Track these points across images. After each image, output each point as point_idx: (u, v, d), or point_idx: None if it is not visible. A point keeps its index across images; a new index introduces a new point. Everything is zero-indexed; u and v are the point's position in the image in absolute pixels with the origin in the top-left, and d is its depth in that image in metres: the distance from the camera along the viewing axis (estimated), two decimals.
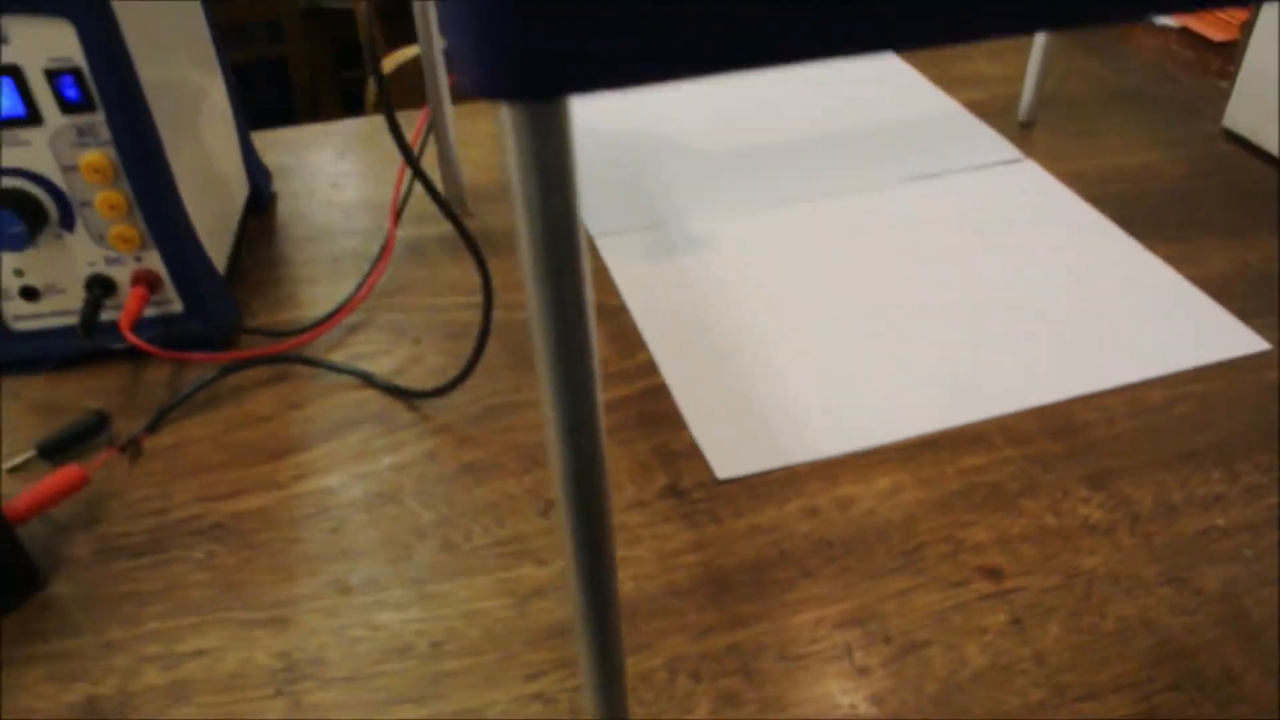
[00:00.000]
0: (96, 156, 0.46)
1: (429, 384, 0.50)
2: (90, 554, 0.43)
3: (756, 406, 0.48)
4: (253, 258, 0.60)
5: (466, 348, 0.52)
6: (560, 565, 0.41)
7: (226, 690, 0.37)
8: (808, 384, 0.49)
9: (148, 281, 0.50)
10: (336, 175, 0.67)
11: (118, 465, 0.47)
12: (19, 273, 0.50)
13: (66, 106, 0.45)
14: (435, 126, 0.59)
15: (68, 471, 0.44)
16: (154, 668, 0.38)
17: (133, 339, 0.47)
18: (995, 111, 0.70)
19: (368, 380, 0.50)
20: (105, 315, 0.51)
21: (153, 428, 0.48)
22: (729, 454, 0.45)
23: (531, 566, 0.41)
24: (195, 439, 0.48)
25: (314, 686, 0.37)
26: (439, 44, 0.57)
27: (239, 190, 0.61)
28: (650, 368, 0.50)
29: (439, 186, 0.62)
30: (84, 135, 0.46)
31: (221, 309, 0.52)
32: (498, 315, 0.54)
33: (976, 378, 0.49)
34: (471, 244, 0.45)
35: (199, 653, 0.39)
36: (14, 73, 0.44)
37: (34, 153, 0.46)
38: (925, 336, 0.51)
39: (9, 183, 0.46)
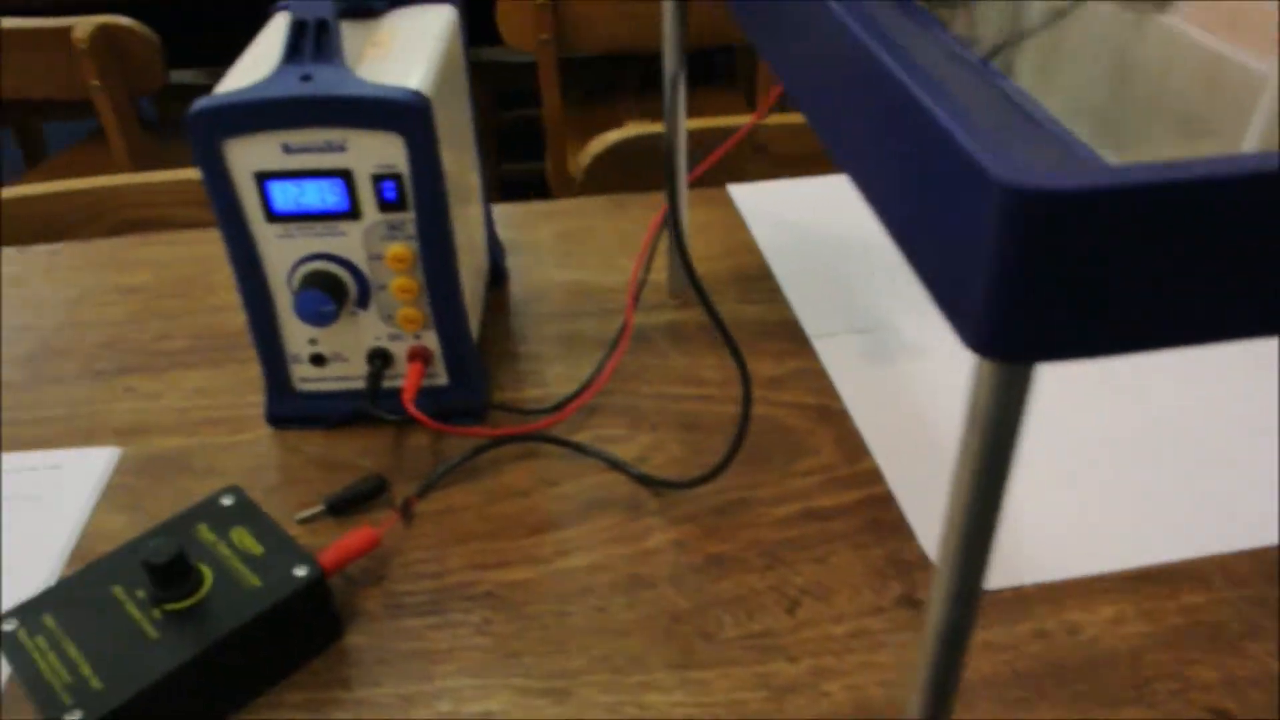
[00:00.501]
0: (401, 249, 0.52)
1: (669, 472, 0.54)
2: (380, 609, 0.48)
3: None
4: (493, 331, 0.65)
5: (702, 439, 0.56)
6: (810, 664, 0.45)
7: None
8: (1032, 503, 0.52)
9: (422, 357, 0.55)
10: (563, 254, 0.72)
11: (396, 526, 0.52)
12: (313, 341, 0.55)
13: (384, 206, 0.50)
14: (671, 218, 0.64)
15: (364, 533, 0.49)
16: None
17: (414, 412, 0.53)
18: None
19: (615, 465, 0.55)
20: (384, 385, 0.56)
21: (423, 493, 0.53)
22: None
23: (783, 662, 0.45)
24: (460, 507, 0.53)
25: None
26: (684, 137, 0.61)
27: (485, 265, 0.66)
28: (876, 475, 0.54)
29: (667, 277, 0.67)
30: (393, 230, 0.51)
31: (480, 384, 0.57)
32: (729, 411, 0.58)
33: (1194, 512, 0.51)
34: (731, 342, 0.49)
35: (487, 714, 0.43)
36: (346, 175, 0.49)
37: (348, 242, 0.52)
38: (1143, 464, 0.54)
39: (327, 267, 0.52)
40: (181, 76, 1.35)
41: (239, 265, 0.52)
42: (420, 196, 0.50)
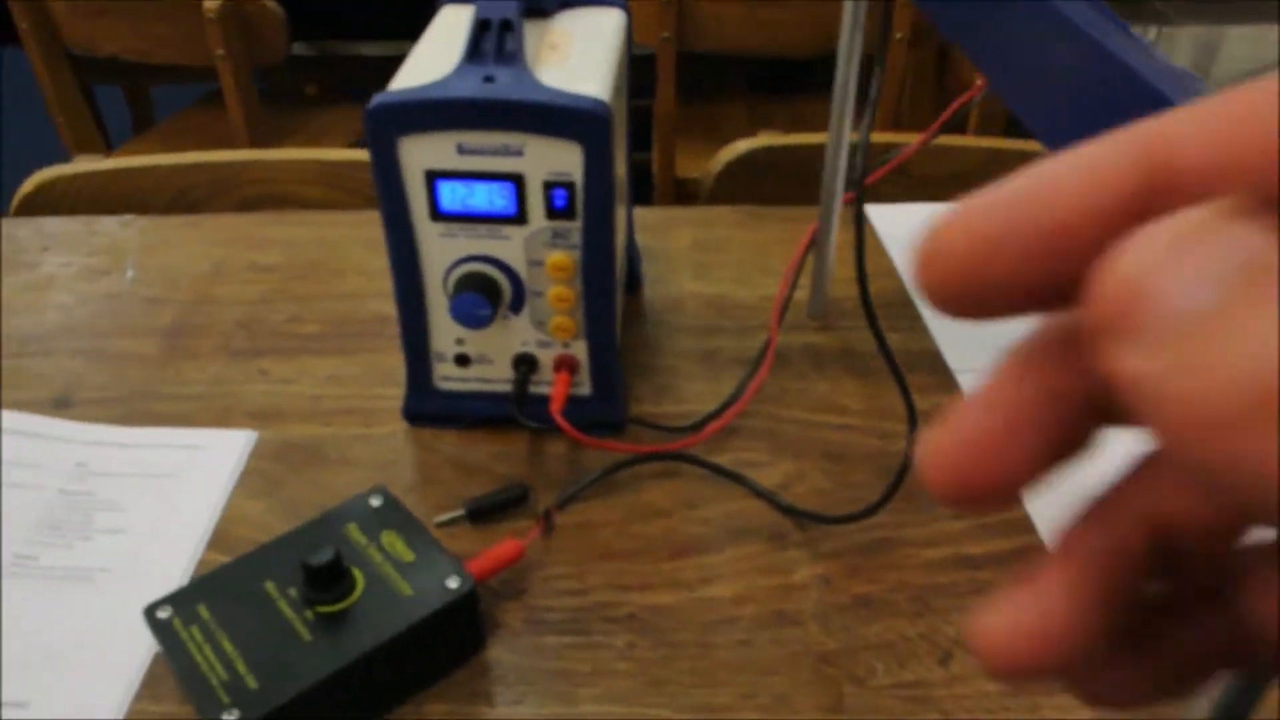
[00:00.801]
0: (563, 257, 0.51)
1: (812, 503, 0.53)
2: (521, 624, 0.47)
3: None
4: (629, 341, 0.64)
5: (846, 471, 0.55)
6: (971, 718, 0.43)
7: None
8: None
9: (569, 367, 0.54)
10: (698, 265, 0.71)
11: (535, 537, 0.51)
12: (460, 342, 0.55)
13: (552, 213, 0.49)
14: (819, 238, 0.62)
15: (510, 544, 0.48)
16: None
17: (561, 422, 0.52)
18: None
19: (758, 492, 0.53)
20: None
21: (562, 505, 0.52)
22: None
23: (936, 715, 0.44)
24: (600, 523, 0.52)
25: None
26: (844, 161, 0.59)
27: (623, 271, 0.65)
28: (1026, 523, 0.52)
29: (809, 297, 0.65)
30: (558, 237, 0.50)
31: (621, 397, 0.56)
32: (874, 444, 0.57)
33: None
34: (899, 377, 0.48)
35: None
36: (517, 179, 0.49)
37: (510, 246, 0.51)
38: None
39: (485, 270, 0.51)
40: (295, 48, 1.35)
41: (397, 260, 0.52)
42: (590, 206, 0.49)
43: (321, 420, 0.58)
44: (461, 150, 0.48)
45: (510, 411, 0.53)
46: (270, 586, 0.43)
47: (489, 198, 0.49)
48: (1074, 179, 0.13)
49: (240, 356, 0.63)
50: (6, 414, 0.57)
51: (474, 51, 0.48)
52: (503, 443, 0.56)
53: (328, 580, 0.42)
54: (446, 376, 0.56)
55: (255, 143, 1.27)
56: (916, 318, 0.66)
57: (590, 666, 0.45)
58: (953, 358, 0.62)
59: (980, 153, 0.82)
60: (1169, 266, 0.11)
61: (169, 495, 0.53)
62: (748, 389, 0.58)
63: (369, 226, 0.75)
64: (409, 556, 0.45)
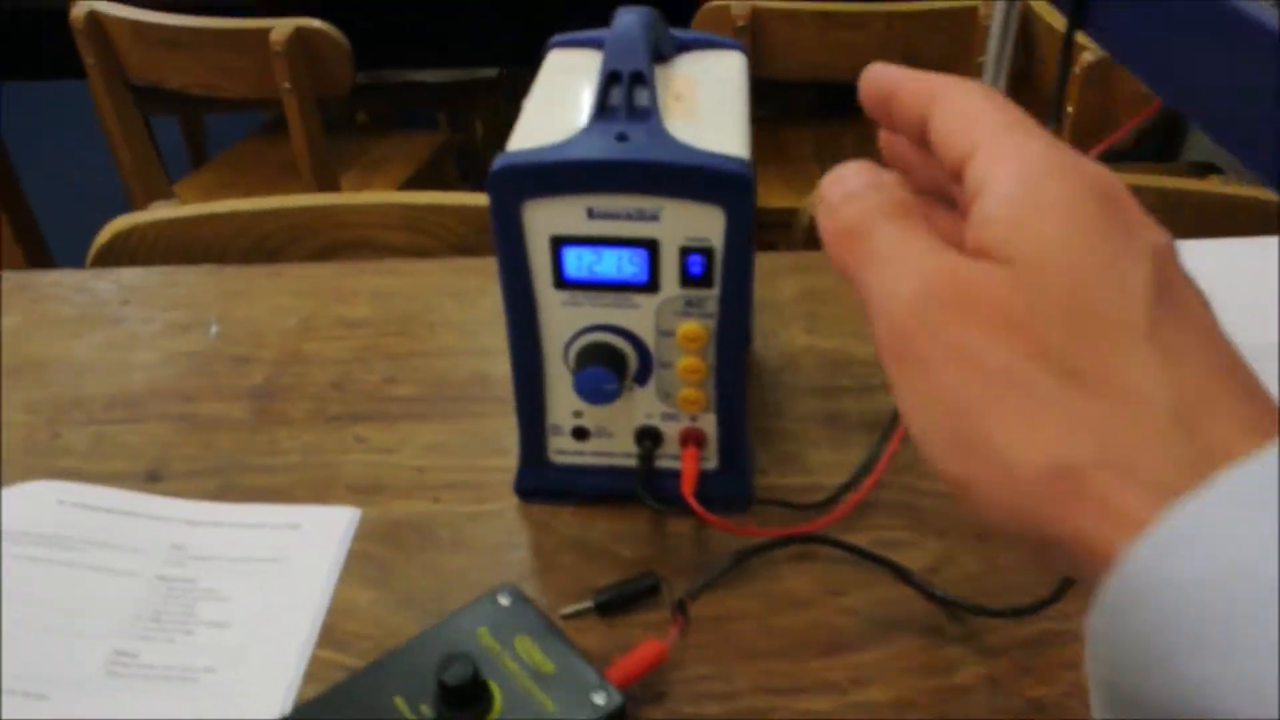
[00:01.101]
0: (695, 327, 0.47)
1: (963, 590, 0.48)
2: None
3: None
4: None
5: (997, 552, 0.50)
6: None
7: None
8: None
9: (696, 441, 0.50)
10: (809, 316, 0.66)
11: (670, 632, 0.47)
12: (578, 414, 0.51)
13: (686, 281, 0.46)
14: None
15: (652, 646, 0.44)
16: None
17: (696, 506, 0.48)
18: None
19: (905, 578, 0.49)
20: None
21: (695, 595, 0.48)
22: None
23: None
24: (738, 615, 0.48)
25: None
26: None
27: None
28: None
29: None
30: (691, 306, 0.46)
31: (749, 472, 0.52)
32: None
33: None
34: None
35: None
36: (651, 245, 0.45)
37: (639, 315, 0.47)
38: None
39: (610, 340, 0.48)
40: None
41: (516, 329, 0.48)
42: (729, 273, 0.45)
43: (429, 495, 0.54)
44: (592, 215, 0.44)
45: (636, 490, 0.50)
46: (400, 703, 0.40)
47: (618, 264, 0.45)
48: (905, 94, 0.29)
49: (336, 422, 0.59)
50: (98, 489, 0.54)
51: (603, 107, 0.44)
52: (622, 521, 0.53)
53: (466, 699, 0.39)
54: (562, 450, 0.52)
55: (318, 174, 1.25)
56: None
57: None
58: None
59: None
60: (831, 183, 0.28)
61: (272, 582, 0.50)
62: (881, 458, 0.54)
63: (459, 275, 0.71)
64: (548, 667, 0.41)
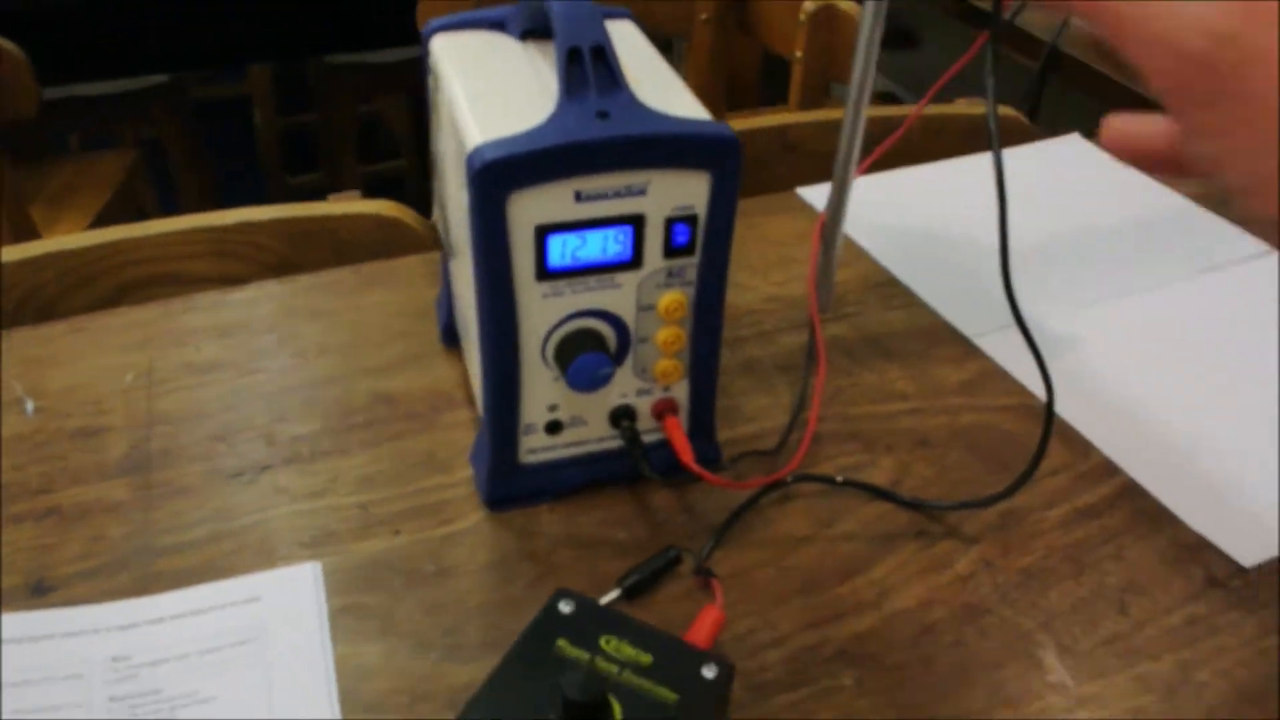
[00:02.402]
0: (676, 297, 0.47)
1: (928, 494, 0.53)
2: (742, 691, 0.44)
3: (1239, 492, 0.54)
4: None
5: (945, 455, 0.56)
6: (1171, 659, 0.46)
7: None
8: (1259, 461, 0.55)
9: (671, 411, 0.51)
10: None
11: (701, 597, 0.47)
12: (553, 408, 0.49)
13: (670, 251, 0.46)
14: (828, 227, 0.62)
15: (712, 613, 0.44)
16: None
17: (703, 472, 0.48)
18: (1214, 205, 0.80)
19: (881, 494, 0.53)
20: (616, 444, 0.51)
21: (708, 557, 0.49)
22: (1244, 542, 0.51)
23: (1149, 662, 0.46)
24: (753, 565, 0.49)
25: None
26: (859, 143, 0.60)
27: None
28: (1112, 466, 0.56)
29: (812, 287, 0.65)
30: (672, 276, 0.46)
31: (715, 432, 0.53)
32: (949, 421, 0.58)
33: None
34: (1039, 356, 0.49)
35: None
36: (637, 221, 0.44)
37: (620, 295, 0.46)
38: None
39: (591, 325, 0.46)
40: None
41: (493, 331, 0.45)
42: (711, 238, 0.46)
43: (388, 530, 0.50)
44: (579, 198, 0.43)
45: (638, 467, 0.49)
46: None
47: (602, 245, 0.44)
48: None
49: (241, 478, 0.52)
50: None
51: (571, 85, 0.43)
52: (604, 507, 0.52)
53: (596, 714, 0.37)
54: (533, 449, 0.50)
55: (11, 215, 1.04)
56: (908, 293, 0.68)
57: (837, 713, 0.43)
58: (963, 325, 0.65)
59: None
60: None
61: (257, 665, 0.44)
62: (815, 394, 0.58)
63: (309, 294, 0.64)
64: (645, 658, 0.40)
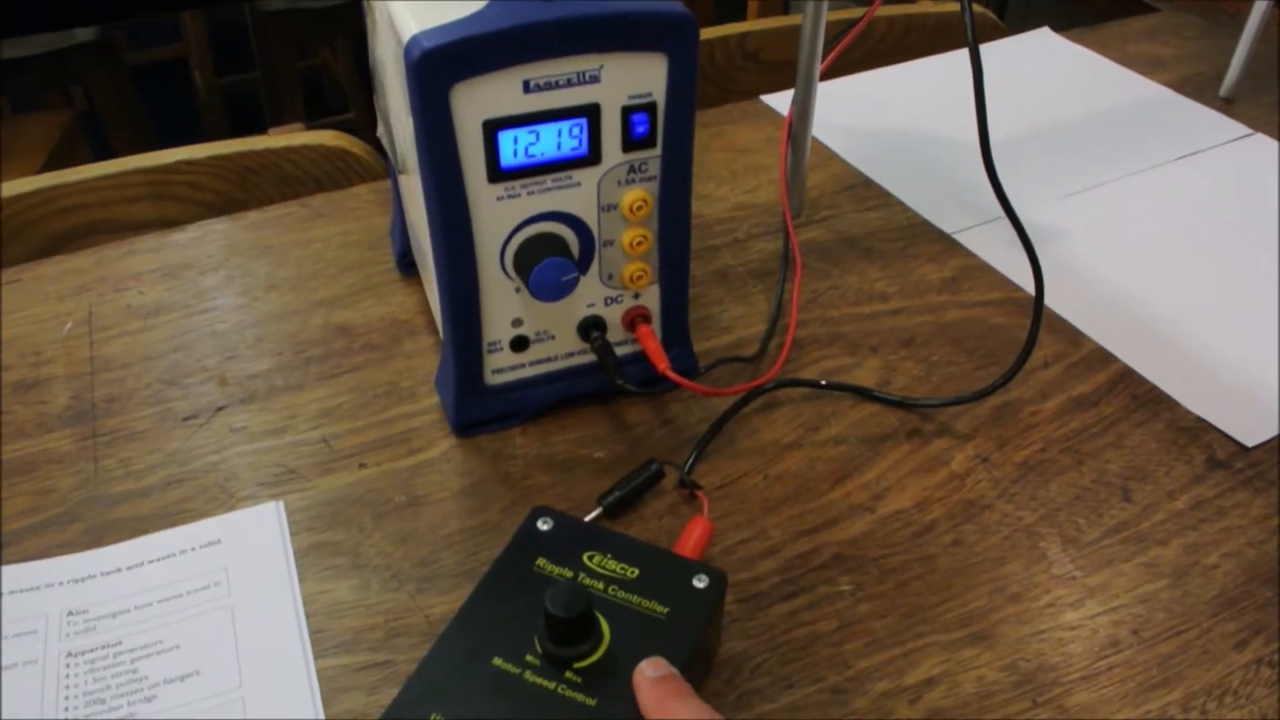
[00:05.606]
0: (640, 193, 0.44)
1: (917, 392, 0.51)
2: (736, 605, 0.42)
3: (1236, 371, 0.52)
4: None
5: (931, 353, 0.53)
6: (1179, 543, 0.44)
7: (984, 710, 0.38)
8: (1256, 339, 0.54)
9: (644, 318, 0.48)
10: None
11: (687, 511, 0.45)
12: (517, 322, 0.46)
13: (630, 144, 0.43)
14: (796, 130, 0.59)
15: (700, 524, 0.42)
16: (900, 704, 0.38)
17: (682, 380, 0.46)
18: (1191, 92, 0.78)
19: (869, 396, 0.51)
20: (587, 358, 0.49)
21: (691, 469, 0.47)
22: (1245, 422, 0.50)
23: (1156, 547, 0.44)
24: (740, 475, 0.47)
25: (1063, 691, 0.39)
26: (820, 44, 0.57)
27: None
28: (1105, 354, 0.54)
29: (784, 190, 0.62)
30: (634, 172, 0.44)
31: (690, 340, 0.51)
32: (932, 319, 0.56)
33: None
34: (1028, 245, 0.46)
35: (929, 682, 0.39)
36: (591, 112, 0.41)
37: (579, 195, 0.43)
38: None
39: (551, 229, 0.43)
40: None
41: (447, 242, 0.42)
42: (671, 127, 0.43)
43: (353, 464, 0.47)
44: (528, 88, 0.39)
45: (614, 379, 0.46)
46: (501, 663, 0.35)
47: (556, 140, 0.41)
48: None
49: (195, 420, 0.49)
50: None
51: None
52: (577, 426, 0.49)
53: (582, 630, 0.34)
54: (499, 369, 0.48)
55: None
56: (884, 193, 0.65)
57: (835, 621, 0.41)
58: (943, 223, 0.62)
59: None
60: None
61: (221, 609, 0.41)
62: (792, 299, 0.55)
63: (254, 230, 0.61)
64: (631, 572, 0.38)
